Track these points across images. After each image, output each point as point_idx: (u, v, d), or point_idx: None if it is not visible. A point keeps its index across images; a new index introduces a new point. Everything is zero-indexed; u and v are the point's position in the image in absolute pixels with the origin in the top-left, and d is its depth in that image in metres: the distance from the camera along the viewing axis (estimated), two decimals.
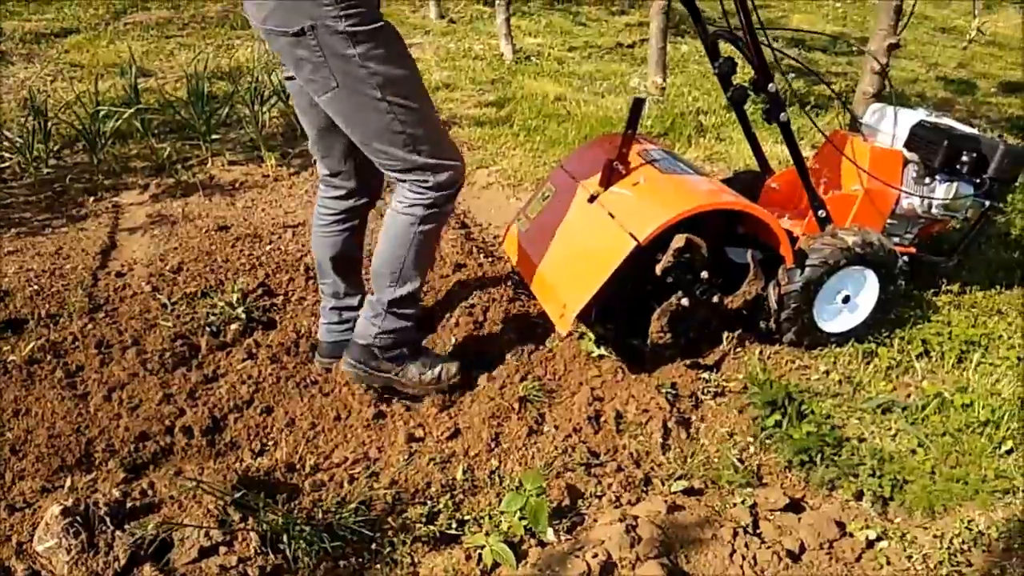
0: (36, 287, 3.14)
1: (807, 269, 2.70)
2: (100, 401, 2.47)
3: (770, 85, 2.63)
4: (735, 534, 2.08)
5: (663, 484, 2.29)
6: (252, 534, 1.90)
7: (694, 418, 2.60)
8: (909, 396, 2.73)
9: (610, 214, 2.57)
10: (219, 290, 3.13)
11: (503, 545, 1.97)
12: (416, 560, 1.99)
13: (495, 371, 2.70)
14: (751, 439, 2.52)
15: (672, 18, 5.99)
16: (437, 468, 2.28)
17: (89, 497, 1.93)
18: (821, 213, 2.83)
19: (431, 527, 2.07)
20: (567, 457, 2.34)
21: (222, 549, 1.87)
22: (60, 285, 3.15)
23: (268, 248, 3.52)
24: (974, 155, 2.94)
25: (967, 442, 2.49)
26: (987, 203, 3.05)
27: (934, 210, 3.02)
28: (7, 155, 4.23)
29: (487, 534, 2.02)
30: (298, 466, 2.28)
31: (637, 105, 2.58)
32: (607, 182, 2.66)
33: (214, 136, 4.57)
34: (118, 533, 1.86)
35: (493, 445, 2.37)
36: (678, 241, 2.52)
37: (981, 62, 8.48)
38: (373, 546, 1.99)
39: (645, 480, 2.29)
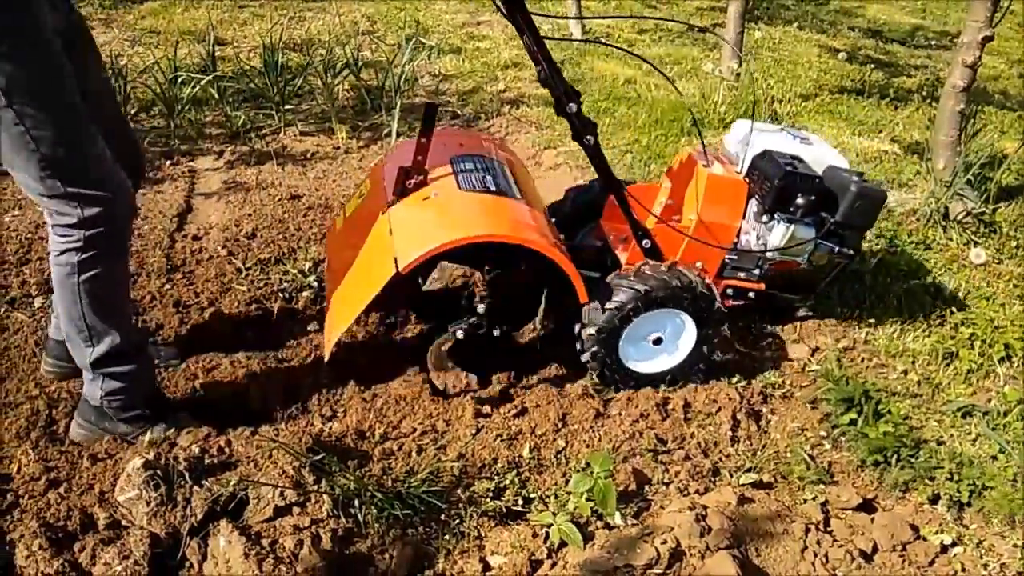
0: None
1: (605, 313, 2.42)
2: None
3: (570, 106, 2.33)
4: (807, 530, 2.05)
5: (731, 476, 2.26)
6: (325, 497, 1.92)
7: (764, 411, 2.56)
8: (990, 401, 2.64)
9: (390, 230, 2.31)
10: (291, 258, 3.17)
11: (571, 525, 1.96)
12: (483, 534, 2.00)
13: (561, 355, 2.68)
14: (823, 435, 2.47)
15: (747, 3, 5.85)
16: (504, 444, 2.28)
17: (169, 451, 1.98)
18: (646, 243, 2.54)
19: (498, 502, 2.07)
20: (634, 442, 2.32)
21: (295, 510, 1.90)
22: (139, 245, 3.23)
23: None
24: (812, 198, 2.56)
25: None
26: (836, 249, 2.65)
27: (768, 253, 2.66)
28: None
29: (554, 513, 2.02)
30: (368, 434, 2.30)
31: (430, 110, 2.32)
32: (401, 191, 2.39)
33: (287, 106, 4.63)
34: (196, 488, 1.91)
35: (560, 425, 2.36)
36: (439, 272, 2.34)
37: None
38: (442, 517, 2.00)
39: (713, 470, 2.26)
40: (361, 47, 5.56)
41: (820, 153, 2.72)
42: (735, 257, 2.69)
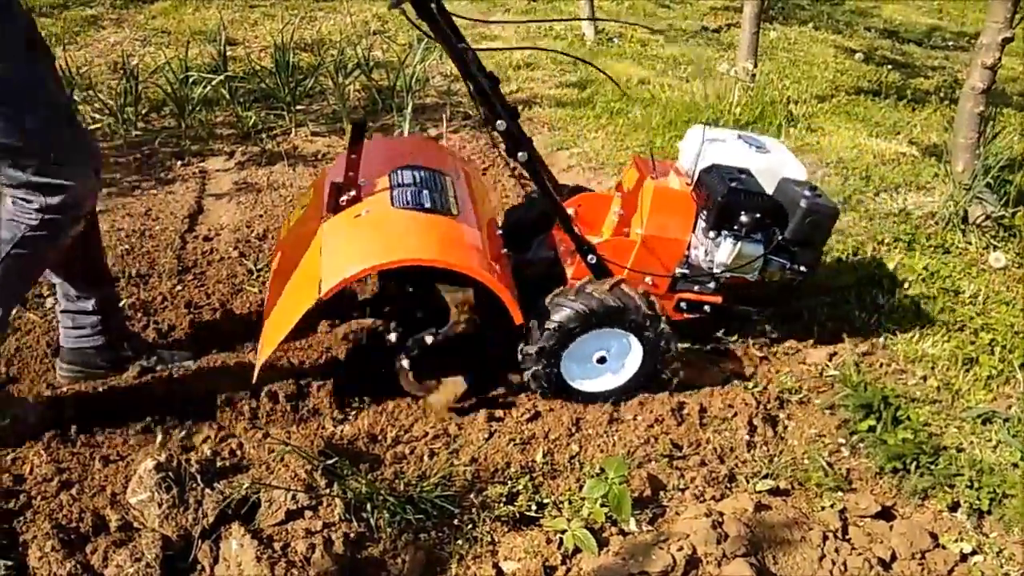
0: (127, 246, 3.22)
1: (544, 333, 2.35)
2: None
3: (499, 123, 2.26)
4: (824, 538, 2.02)
5: (748, 482, 2.23)
6: (337, 500, 1.91)
7: (781, 416, 2.52)
8: (1011, 407, 2.60)
9: (320, 249, 2.26)
10: None
11: (585, 531, 1.94)
12: (496, 539, 1.98)
13: None
14: (841, 442, 2.43)
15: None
16: (517, 449, 2.25)
17: (181, 454, 1.97)
18: (591, 259, 2.46)
19: (511, 507, 2.05)
20: (649, 448, 2.29)
21: (307, 513, 1.89)
22: (150, 246, 3.23)
23: None
24: (757, 215, 2.45)
25: None
26: (788, 265, 2.54)
27: (715, 269, 2.55)
28: (98, 116, 4.34)
29: (568, 519, 2.00)
30: (379, 437, 2.28)
31: (357, 128, 2.28)
32: (334, 207, 2.34)
33: (298, 106, 4.62)
34: (208, 491, 1.90)
35: (573, 430, 2.34)
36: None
37: None
38: (454, 522, 1.99)
39: (729, 476, 2.23)
40: (372, 47, 5.55)
41: (775, 163, 2.60)
42: (687, 270, 2.61)
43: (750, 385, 2.60)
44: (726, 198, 2.42)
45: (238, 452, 2.05)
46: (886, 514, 2.18)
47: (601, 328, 2.38)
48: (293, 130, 4.50)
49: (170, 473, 1.89)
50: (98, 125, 4.29)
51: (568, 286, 2.44)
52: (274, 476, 1.95)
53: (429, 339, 2.34)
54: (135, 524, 1.87)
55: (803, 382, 2.68)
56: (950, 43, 8.14)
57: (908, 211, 3.88)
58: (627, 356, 2.47)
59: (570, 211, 2.62)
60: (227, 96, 4.62)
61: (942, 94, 5.90)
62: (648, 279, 2.56)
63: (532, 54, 6.19)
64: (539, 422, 2.38)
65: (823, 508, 2.17)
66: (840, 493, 2.23)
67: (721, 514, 2.00)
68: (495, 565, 1.91)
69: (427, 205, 2.35)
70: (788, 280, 2.61)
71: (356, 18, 6.82)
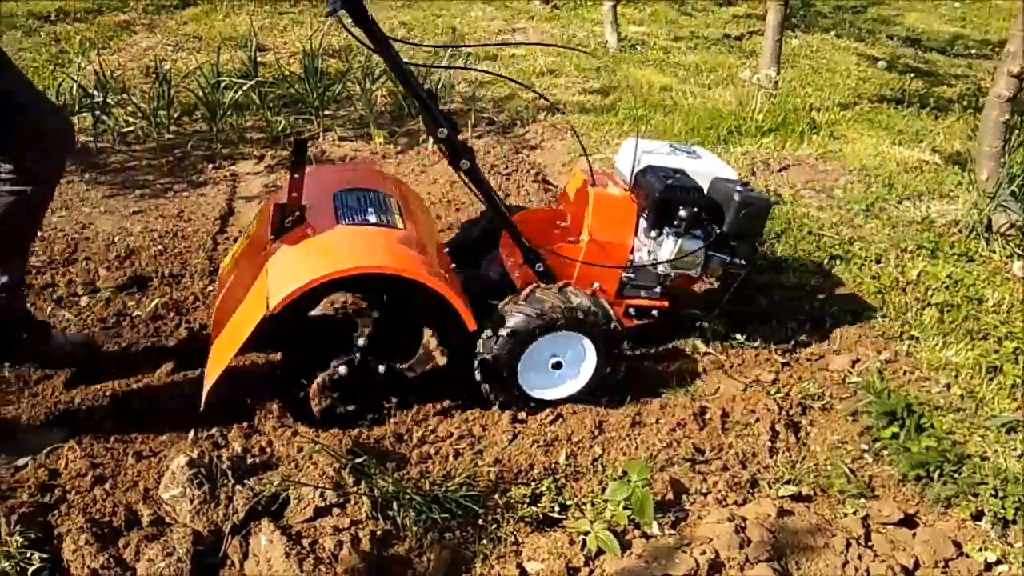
0: (160, 247, 3.28)
1: (499, 340, 2.36)
2: None
3: (440, 131, 2.29)
4: (847, 545, 2.02)
5: (770, 487, 2.24)
6: (364, 498, 1.94)
7: (803, 422, 2.53)
8: None
9: (267, 269, 2.24)
10: None
11: (608, 533, 1.96)
12: (520, 540, 2.00)
13: None
14: (864, 449, 2.44)
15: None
16: (540, 450, 2.28)
17: (213, 450, 2.01)
18: (539, 267, 2.48)
19: (534, 508, 2.07)
20: (671, 451, 2.31)
21: (335, 511, 1.92)
22: (182, 247, 3.29)
23: None
24: (694, 210, 2.52)
25: None
26: (728, 259, 2.60)
27: (659, 268, 2.61)
28: (131, 119, 4.43)
29: (591, 521, 2.02)
30: (405, 437, 2.31)
31: (299, 146, 2.26)
32: (279, 229, 2.32)
33: (326, 111, 4.68)
34: (238, 487, 1.94)
35: (596, 432, 2.36)
36: (326, 305, 2.21)
37: None
38: (479, 522, 2.01)
39: (751, 482, 2.24)
40: (398, 54, 5.60)
41: (706, 166, 2.67)
42: (633, 276, 2.64)
43: (772, 390, 2.62)
44: (663, 194, 2.50)
45: (267, 449, 2.09)
46: (909, 522, 2.18)
47: (555, 331, 2.39)
48: (321, 134, 4.57)
49: (202, 469, 1.93)
50: (131, 128, 4.38)
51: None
52: (303, 473, 1.99)
53: (344, 369, 2.27)
54: (167, 519, 1.91)
55: (826, 388, 2.69)
56: (973, 51, 8.09)
57: (931, 219, 3.87)
58: (580, 358, 2.48)
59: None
60: (257, 101, 4.70)
61: (965, 102, 5.87)
62: (596, 285, 2.58)
63: (555, 61, 6.23)
64: (562, 424, 2.40)
65: (846, 515, 2.18)
66: (863, 500, 2.24)
67: (744, 519, 2.01)
68: (519, 565, 1.93)
69: (373, 220, 2.37)
70: (730, 276, 2.67)
71: (383, 24, 6.89)
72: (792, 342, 2.89)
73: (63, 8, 7.01)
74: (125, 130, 4.36)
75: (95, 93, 4.29)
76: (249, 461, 2.02)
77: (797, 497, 2.22)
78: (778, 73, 5.30)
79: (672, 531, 2.03)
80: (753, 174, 4.31)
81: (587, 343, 2.45)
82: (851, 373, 2.76)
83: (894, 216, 3.92)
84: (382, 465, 2.07)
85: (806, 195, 4.13)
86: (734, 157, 4.46)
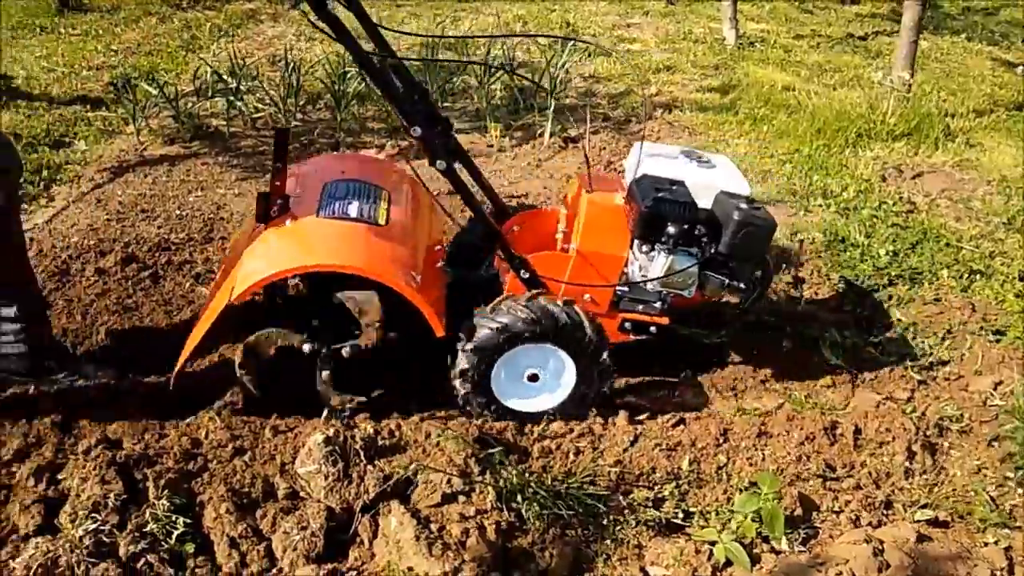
0: None
1: (466, 354, 2.29)
2: None
3: (413, 129, 2.21)
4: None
5: (906, 510, 2.13)
6: (489, 488, 1.95)
7: (941, 444, 2.40)
8: None
9: (243, 257, 2.26)
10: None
11: (737, 544, 1.91)
12: (642, 543, 1.97)
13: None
14: (1007, 476, 2.29)
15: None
16: (663, 454, 2.24)
17: (346, 430, 2.06)
18: (524, 274, 2.39)
19: (657, 512, 2.04)
20: (801, 466, 2.23)
21: (461, 498, 1.94)
22: None
23: None
24: (684, 226, 2.32)
25: None
26: (726, 282, 2.39)
27: (649, 285, 2.43)
28: (261, 106, 4.60)
29: (718, 530, 1.97)
30: (526, 430, 2.32)
31: (281, 136, 2.24)
32: (264, 217, 2.31)
33: (444, 103, 4.74)
34: (369, 468, 1.98)
35: (721, 440, 2.31)
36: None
37: None
38: (601, 521, 2.00)
39: (886, 503, 2.14)
40: (515, 47, 5.63)
41: (716, 178, 2.42)
42: (627, 289, 2.48)
43: (908, 409, 2.50)
44: (650, 208, 2.31)
45: (396, 433, 2.13)
46: None
47: (525, 344, 2.32)
48: None
49: (336, 447, 1.98)
50: (262, 115, 4.55)
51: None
52: (430, 459, 2.02)
53: (346, 351, 2.30)
54: (301, 493, 1.97)
55: (965, 410, 2.54)
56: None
57: None
58: (559, 371, 2.40)
59: (515, 227, 2.62)
60: (378, 92, 4.80)
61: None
62: (587, 296, 2.46)
63: (671, 58, 6.13)
64: (684, 429, 2.36)
65: (986, 544, 2.05)
66: (1006, 530, 2.11)
67: (881, 542, 1.92)
68: (642, 569, 1.91)
69: (352, 215, 2.35)
70: (740, 300, 2.49)
71: (500, 18, 6.94)
72: (929, 359, 2.75)
73: None
74: (255, 116, 4.54)
75: (228, 79, 4.48)
76: (379, 443, 2.07)
77: (934, 522, 2.11)
78: (912, 76, 5.05)
79: (802, 548, 1.97)
80: (884, 180, 4.13)
81: (563, 355, 2.36)
82: (993, 395, 2.60)
83: None
84: (506, 456, 2.08)
85: (943, 205, 3.92)
86: (863, 161, 4.28)
